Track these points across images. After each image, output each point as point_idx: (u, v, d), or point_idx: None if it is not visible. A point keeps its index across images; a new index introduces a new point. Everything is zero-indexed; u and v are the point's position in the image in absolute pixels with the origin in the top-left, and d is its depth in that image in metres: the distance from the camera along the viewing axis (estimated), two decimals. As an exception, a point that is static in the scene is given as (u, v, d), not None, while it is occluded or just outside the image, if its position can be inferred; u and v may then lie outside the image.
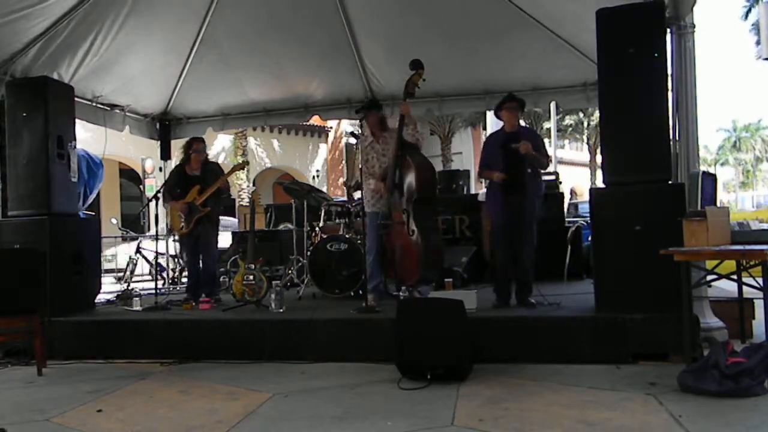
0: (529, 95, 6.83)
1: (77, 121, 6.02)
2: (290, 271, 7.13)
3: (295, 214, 7.46)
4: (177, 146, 7.04)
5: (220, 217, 6.47)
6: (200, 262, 6.19)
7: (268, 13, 6.51)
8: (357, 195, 6.40)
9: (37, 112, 5.44)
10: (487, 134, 9.25)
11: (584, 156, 30.44)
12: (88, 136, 8.02)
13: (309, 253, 6.33)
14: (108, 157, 11.43)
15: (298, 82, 7.63)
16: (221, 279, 7.00)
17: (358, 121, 5.96)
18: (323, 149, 23.70)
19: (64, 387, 4.22)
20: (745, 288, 4.41)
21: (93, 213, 8.70)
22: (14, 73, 5.81)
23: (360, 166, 5.61)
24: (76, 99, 6.07)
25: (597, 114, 11.16)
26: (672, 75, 4.57)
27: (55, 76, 5.96)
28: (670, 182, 4.43)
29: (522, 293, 4.98)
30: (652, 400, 3.36)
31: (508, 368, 4.14)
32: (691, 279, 3.96)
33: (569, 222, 7.89)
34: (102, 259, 7.54)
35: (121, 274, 11.08)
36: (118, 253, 11.95)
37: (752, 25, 24.23)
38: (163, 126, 8.21)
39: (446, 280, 5.39)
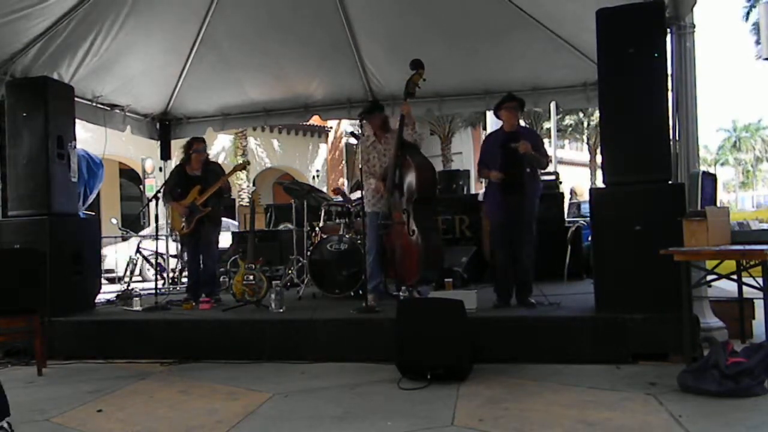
0: (529, 95, 6.83)
1: (77, 121, 6.03)
2: (290, 271, 7.13)
3: (295, 214, 7.46)
4: (177, 146, 7.05)
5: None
6: (201, 262, 6.19)
7: (268, 13, 6.51)
8: (357, 195, 6.40)
9: (37, 112, 5.45)
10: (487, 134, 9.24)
11: (584, 156, 30.45)
12: (88, 136, 8.02)
13: (309, 253, 6.33)
14: (108, 157, 11.43)
15: (298, 82, 7.62)
16: (221, 279, 7.00)
17: (358, 121, 5.96)
18: (323, 149, 23.69)
19: (64, 387, 4.22)
20: (745, 288, 4.41)
21: (93, 213, 8.70)
22: (14, 73, 5.81)
23: (360, 166, 5.61)
24: (76, 99, 6.07)
25: (597, 114, 11.17)
26: (672, 75, 4.57)
27: (55, 76, 5.96)
28: (670, 182, 4.43)
29: (522, 293, 4.98)
30: (652, 400, 3.36)
31: (508, 368, 4.14)
32: (691, 279, 3.96)
33: (570, 222, 7.89)
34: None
35: (113, 275, 11.11)
36: (109, 254, 11.88)
37: (752, 25, 24.22)
38: (163, 126, 8.21)
39: (446, 280, 5.39)
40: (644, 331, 4.18)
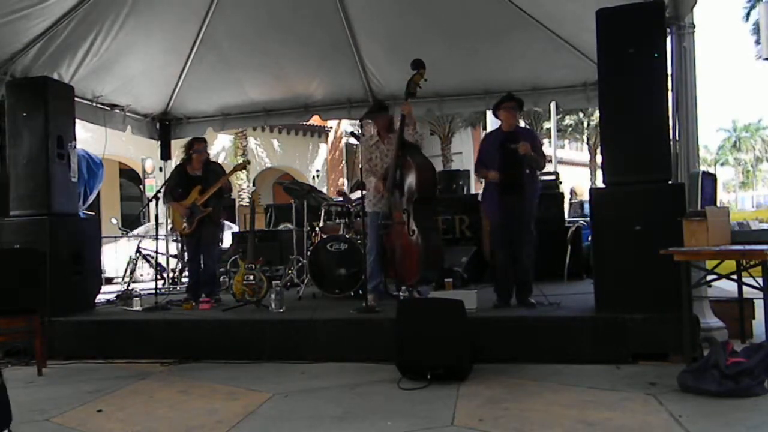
0: (529, 95, 6.83)
1: (77, 121, 6.03)
2: (290, 271, 7.12)
3: (295, 214, 7.46)
4: (177, 146, 7.05)
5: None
6: (201, 262, 6.19)
7: (268, 13, 6.52)
8: (357, 195, 6.40)
9: (37, 112, 5.45)
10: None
11: (584, 156, 30.45)
12: (88, 136, 8.01)
13: (309, 253, 6.33)
14: (108, 157, 11.42)
15: (298, 82, 7.63)
16: (221, 279, 7.00)
17: (358, 121, 5.95)
18: (323, 149, 23.69)
19: (64, 387, 4.22)
20: (745, 288, 4.41)
21: (93, 213, 8.70)
22: (14, 73, 5.81)
23: (361, 166, 5.60)
24: (76, 99, 6.07)
25: (597, 114, 11.16)
26: (672, 75, 4.57)
27: (55, 76, 5.96)
28: (670, 182, 4.43)
29: (522, 293, 4.98)
30: (652, 400, 3.36)
31: (508, 368, 4.14)
32: (691, 279, 3.96)
33: (569, 222, 7.90)
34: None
35: (108, 275, 11.08)
36: (108, 254, 11.82)
37: (752, 25, 24.22)
38: (163, 126, 8.22)
39: (446, 280, 5.39)
40: (644, 331, 4.18)
